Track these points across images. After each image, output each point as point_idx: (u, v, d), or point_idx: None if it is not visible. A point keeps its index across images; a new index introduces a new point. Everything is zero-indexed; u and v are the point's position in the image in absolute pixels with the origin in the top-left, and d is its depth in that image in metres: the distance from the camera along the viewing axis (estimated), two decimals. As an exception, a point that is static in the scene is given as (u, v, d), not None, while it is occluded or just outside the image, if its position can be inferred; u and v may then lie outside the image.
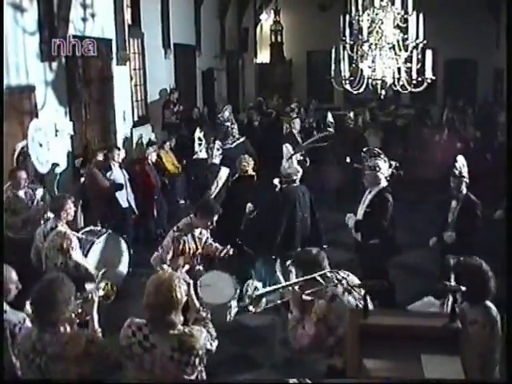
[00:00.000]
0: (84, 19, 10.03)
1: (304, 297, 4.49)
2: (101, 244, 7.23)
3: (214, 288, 6.11)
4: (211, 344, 3.81)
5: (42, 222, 7.17)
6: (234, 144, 10.81)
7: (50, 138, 8.68)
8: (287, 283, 4.75)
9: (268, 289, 4.70)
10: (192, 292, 4.16)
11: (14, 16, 8.32)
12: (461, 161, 7.38)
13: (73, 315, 3.84)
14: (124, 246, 7.72)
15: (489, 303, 4.24)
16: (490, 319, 4.16)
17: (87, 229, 7.52)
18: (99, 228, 7.78)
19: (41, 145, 8.26)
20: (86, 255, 6.78)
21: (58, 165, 8.78)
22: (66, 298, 3.71)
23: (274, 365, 6.48)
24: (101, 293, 4.44)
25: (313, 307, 4.50)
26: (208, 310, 5.98)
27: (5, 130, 7.77)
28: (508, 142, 6.78)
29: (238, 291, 6.13)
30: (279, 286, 4.79)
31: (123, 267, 7.62)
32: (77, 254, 6.29)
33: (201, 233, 6.37)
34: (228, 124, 10.88)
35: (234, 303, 6.19)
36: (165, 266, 6.06)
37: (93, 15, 10.26)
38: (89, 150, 10.09)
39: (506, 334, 4.06)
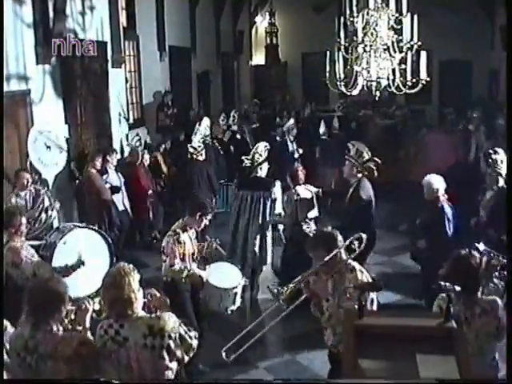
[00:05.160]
0: (79, 22, 10.03)
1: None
2: (68, 242, 7.05)
3: (222, 274, 6.41)
4: (186, 332, 3.81)
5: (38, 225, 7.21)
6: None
7: (62, 141, 8.75)
8: (313, 270, 4.83)
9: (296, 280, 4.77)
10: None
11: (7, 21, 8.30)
12: (499, 152, 7.59)
13: (66, 321, 3.87)
14: (97, 236, 7.50)
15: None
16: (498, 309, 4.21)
17: (53, 230, 7.44)
18: (67, 225, 7.58)
19: (48, 147, 8.29)
20: (51, 258, 6.73)
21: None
22: (62, 297, 3.76)
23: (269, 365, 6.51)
24: (96, 307, 4.42)
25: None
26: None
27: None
28: (508, 142, 6.83)
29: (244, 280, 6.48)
30: (307, 272, 4.84)
31: (103, 259, 7.41)
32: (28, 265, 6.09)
33: (192, 233, 6.39)
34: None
35: (239, 292, 6.32)
36: (176, 267, 6.06)
37: (88, 18, 10.27)
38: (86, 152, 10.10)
39: (507, 334, 4.06)
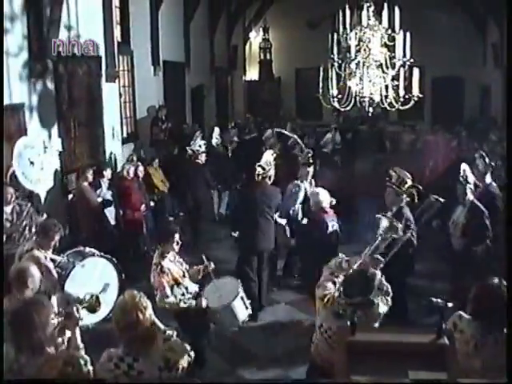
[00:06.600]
0: (74, 36, 10.04)
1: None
2: (86, 267, 6.83)
3: (217, 292, 6.26)
4: (189, 355, 3.79)
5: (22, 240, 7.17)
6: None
7: (42, 156, 8.63)
8: None
9: None
10: (153, 315, 3.98)
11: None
12: (466, 168, 7.73)
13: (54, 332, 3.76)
14: (112, 268, 7.19)
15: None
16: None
17: (74, 249, 7.18)
18: (88, 249, 7.27)
19: (32, 163, 8.19)
20: (66, 277, 6.52)
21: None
22: (44, 321, 3.62)
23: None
24: (85, 304, 4.37)
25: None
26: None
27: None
28: (508, 145, 6.82)
29: (242, 292, 6.32)
30: None
31: (112, 291, 6.94)
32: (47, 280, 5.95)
33: (174, 257, 6.40)
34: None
35: (238, 305, 6.24)
36: (170, 299, 6.09)
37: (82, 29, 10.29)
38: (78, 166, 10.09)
39: (507, 334, 4.04)
